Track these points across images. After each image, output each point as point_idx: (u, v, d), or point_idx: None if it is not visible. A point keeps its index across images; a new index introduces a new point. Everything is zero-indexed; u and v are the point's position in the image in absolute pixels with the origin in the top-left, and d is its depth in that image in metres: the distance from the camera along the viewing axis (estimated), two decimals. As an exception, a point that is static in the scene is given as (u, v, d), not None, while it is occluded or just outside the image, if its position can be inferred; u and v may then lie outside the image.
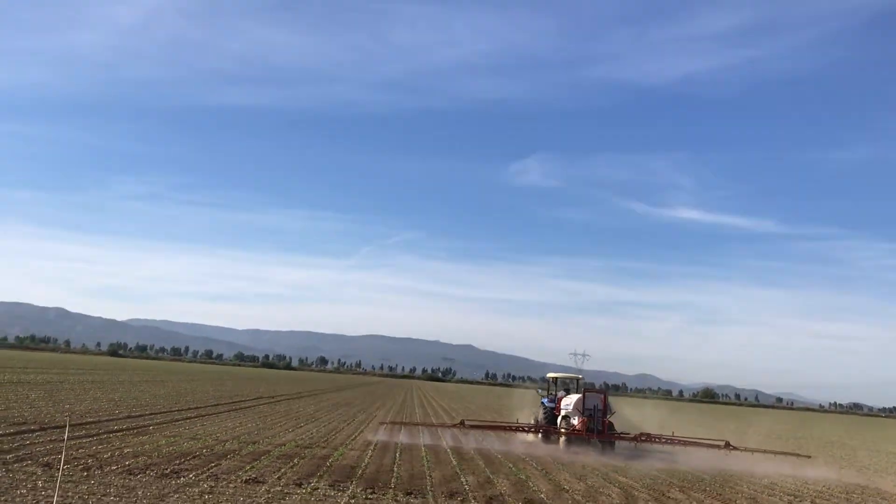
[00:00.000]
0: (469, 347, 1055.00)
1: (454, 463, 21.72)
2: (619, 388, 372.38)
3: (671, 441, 30.65)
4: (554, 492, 17.49)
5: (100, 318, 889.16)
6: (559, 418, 32.55)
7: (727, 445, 29.63)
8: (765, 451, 30.80)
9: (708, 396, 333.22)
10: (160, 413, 30.78)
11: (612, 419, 31.55)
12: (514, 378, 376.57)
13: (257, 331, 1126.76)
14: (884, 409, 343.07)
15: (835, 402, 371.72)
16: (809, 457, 31.80)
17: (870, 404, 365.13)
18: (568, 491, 17.80)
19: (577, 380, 36.61)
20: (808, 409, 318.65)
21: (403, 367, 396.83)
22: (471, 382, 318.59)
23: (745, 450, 30.16)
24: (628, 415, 44.13)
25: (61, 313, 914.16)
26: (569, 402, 32.34)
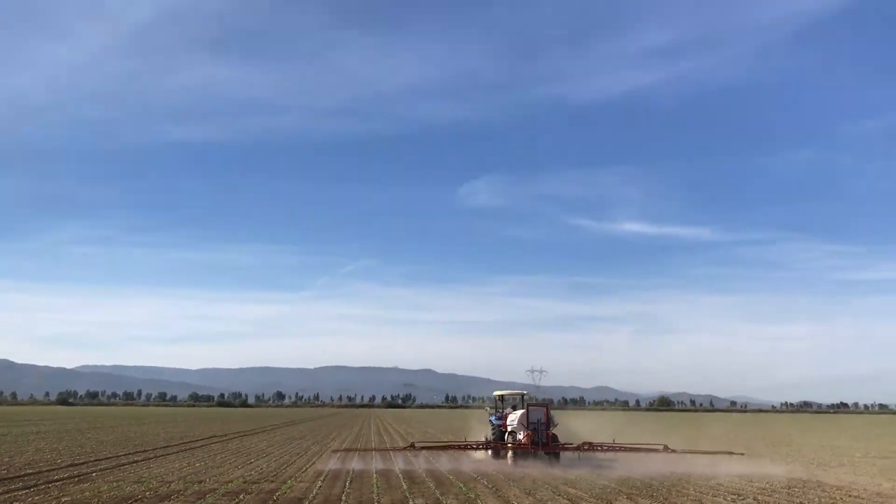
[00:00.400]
0: (429, 372, 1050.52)
1: (405, 487, 21.59)
2: (578, 402, 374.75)
3: (613, 448, 31.47)
4: (502, 508, 17.50)
5: (47, 367, 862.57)
6: (507, 434, 33.09)
7: (665, 449, 30.73)
8: (701, 452, 31.97)
9: (664, 404, 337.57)
10: (105, 459, 30.01)
11: (555, 431, 32.17)
12: (474, 399, 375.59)
13: (212, 370, 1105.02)
14: (832, 405, 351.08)
15: (786, 402, 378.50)
16: (742, 454, 33.12)
17: (819, 401, 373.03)
18: (516, 506, 17.85)
19: (523, 395, 37.39)
20: (760, 411, 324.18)
21: (363, 397, 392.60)
22: (431, 407, 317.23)
23: (683, 452, 31.18)
24: (580, 427, 44.45)
25: (6, 365, 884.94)
26: (514, 417, 32.88)
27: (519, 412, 32.83)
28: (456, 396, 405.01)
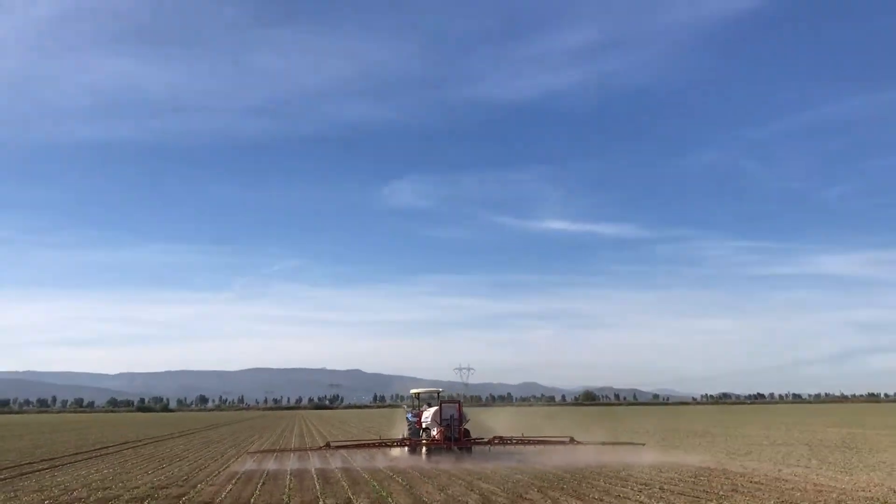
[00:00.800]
0: (356, 372, 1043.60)
1: (318, 487, 21.40)
2: (505, 398, 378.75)
3: (522, 442, 32.70)
4: (413, 506, 17.53)
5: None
6: (422, 430, 33.81)
7: (571, 441, 32.23)
8: (604, 443, 33.55)
9: (588, 399, 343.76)
10: (6, 469, 28.83)
11: (468, 426, 33.11)
12: (402, 398, 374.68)
13: (131, 374, 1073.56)
14: (749, 397, 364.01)
15: (706, 394, 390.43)
16: (643, 444, 34.73)
17: (737, 392, 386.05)
18: (428, 503, 17.90)
19: (438, 393, 37.93)
20: (682, 403, 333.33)
21: (289, 399, 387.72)
22: (359, 407, 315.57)
23: (588, 443, 32.69)
24: (502, 423, 45.12)
25: None
26: (428, 414, 33.64)
27: (432, 409, 33.53)
28: (384, 396, 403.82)
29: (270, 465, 29.27)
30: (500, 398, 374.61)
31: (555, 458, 29.85)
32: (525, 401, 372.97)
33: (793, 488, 20.04)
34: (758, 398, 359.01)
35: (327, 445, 32.00)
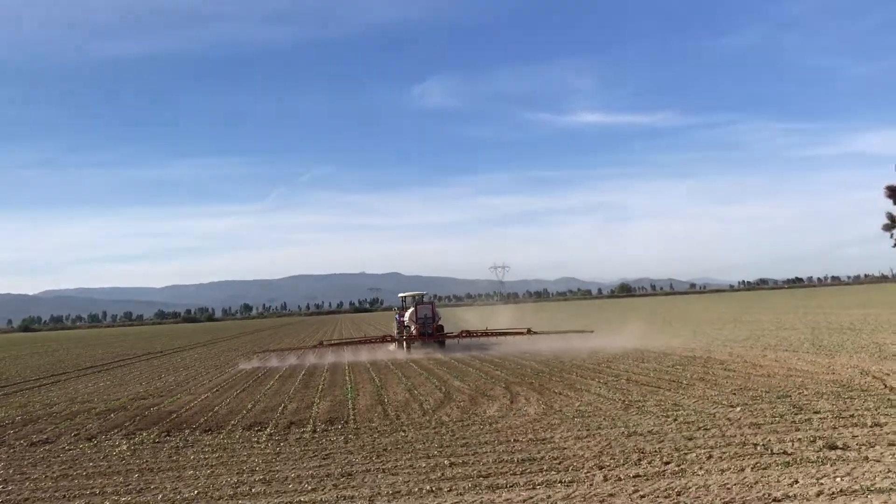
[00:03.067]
0: (395, 275, 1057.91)
1: (296, 386, 21.64)
2: (542, 295, 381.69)
3: (486, 334, 36.96)
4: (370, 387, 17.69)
5: (8, 294, 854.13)
6: (404, 328, 38.03)
7: (529, 332, 36.12)
8: (556, 332, 37.17)
9: (624, 290, 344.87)
10: (13, 385, 29.78)
11: (442, 322, 37.75)
12: (439, 298, 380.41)
13: (177, 286, 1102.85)
14: (787, 281, 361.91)
15: (743, 281, 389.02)
16: (592, 331, 37.65)
17: (776, 278, 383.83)
18: (387, 386, 18.04)
19: (422, 295, 40.70)
20: (717, 291, 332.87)
21: (330, 303, 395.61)
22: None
23: (542, 333, 36.56)
24: (505, 321, 45.90)
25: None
26: (407, 314, 37.85)
27: (410, 309, 37.76)
28: (435, 296, 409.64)
29: (273, 362, 33.20)
30: (536, 294, 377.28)
31: (513, 347, 34.52)
32: (561, 295, 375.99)
33: (765, 374, 19.72)
34: (795, 282, 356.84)
35: (320, 344, 36.97)
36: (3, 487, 11.13)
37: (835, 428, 12.18)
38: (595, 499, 8.83)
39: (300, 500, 9.45)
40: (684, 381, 19.07)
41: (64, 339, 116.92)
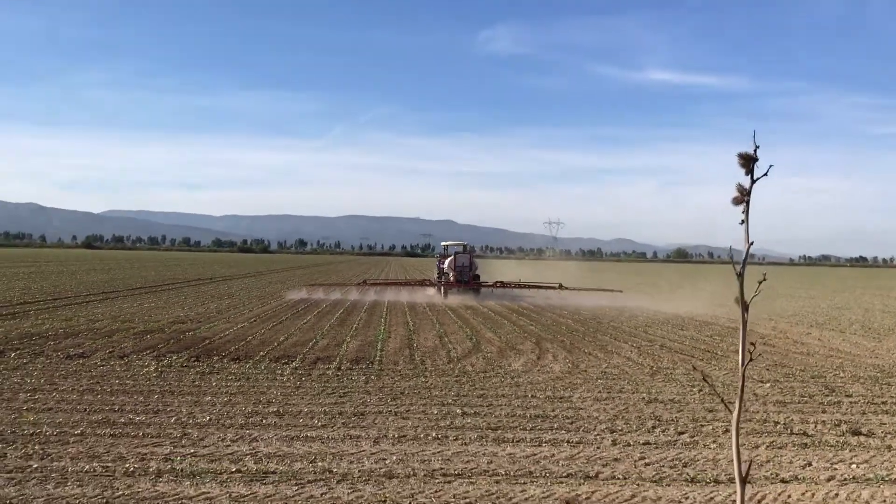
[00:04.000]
0: (449, 222, 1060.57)
1: (333, 321, 21.95)
2: (595, 254, 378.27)
3: (519, 286, 39.76)
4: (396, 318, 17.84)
5: (75, 211, 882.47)
6: (444, 275, 40.00)
7: (560, 287, 38.53)
8: (586, 290, 39.31)
9: (680, 256, 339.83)
10: (65, 298, 30.80)
11: (479, 272, 40.17)
12: (491, 249, 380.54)
13: (235, 216, 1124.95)
14: (850, 259, 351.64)
15: (804, 255, 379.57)
16: (621, 291, 39.92)
17: (839, 255, 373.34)
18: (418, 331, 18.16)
19: (464, 245, 42.71)
20: (776, 264, 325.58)
21: (383, 245, 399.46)
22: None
23: (573, 289, 38.66)
24: (555, 277, 45.97)
25: (35, 209, 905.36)
26: (447, 262, 39.64)
27: (450, 257, 39.63)
28: (475, 247, 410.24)
29: (319, 295, 35.86)
30: (589, 253, 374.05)
31: (543, 300, 36.85)
32: (615, 256, 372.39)
33: (804, 352, 19.29)
34: (859, 261, 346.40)
35: (364, 283, 40.90)
36: (31, 396, 11.56)
37: (863, 413, 11.83)
38: (598, 461, 8.76)
39: (307, 435, 9.59)
40: (719, 352, 18.75)
41: (122, 258, 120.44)
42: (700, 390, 13.37)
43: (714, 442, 9.78)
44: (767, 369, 16.09)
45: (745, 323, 2.75)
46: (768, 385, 14.14)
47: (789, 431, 10.45)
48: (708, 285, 64.98)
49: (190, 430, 9.72)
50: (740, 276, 2.67)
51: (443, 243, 44.69)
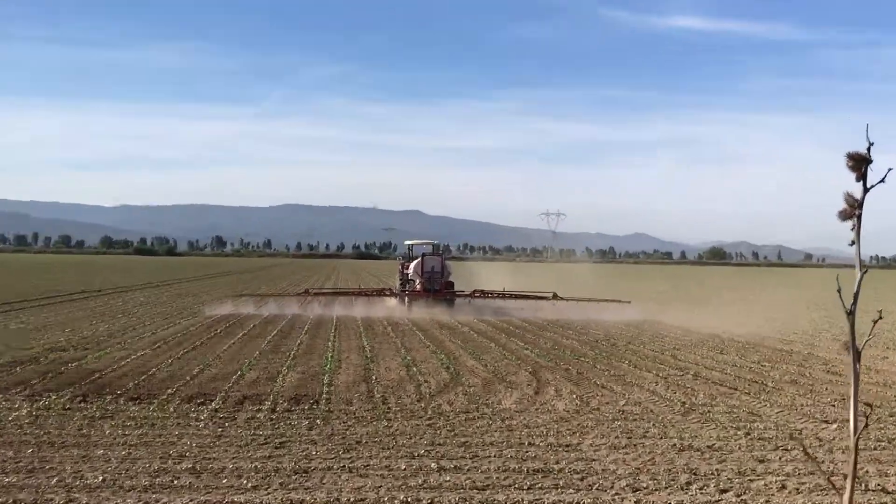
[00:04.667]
0: (416, 213, 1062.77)
1: (266, 344, 21.87)
2: (607, 253, 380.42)
3: (502, 296, 40.86)
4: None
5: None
6: (407, 282, 41.50)
7: (554, 297, 39.26)
8: (588, 300, 39.65)
9: (716, 256, 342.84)
10: None
11: (453, 279, 41.32)
12: (472, 249, 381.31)
13: (131, 207, 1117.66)
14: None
15: (877, 256, 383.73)
16: (629, 302, 40.02)
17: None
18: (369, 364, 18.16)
19: (434, 245, 44.70)
20: (841, 266, 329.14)
21: (328, 245, 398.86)
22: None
23: (570, 300, 39.22)
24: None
25: None
26: (412, 266, 41.00)
27: (415, 261, 40.96)
28: (449, 245, 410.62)
29: (248, 309, 36.82)
30: (599, 253, 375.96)
31: (534, 313, 37.87)
32: (632, 256, 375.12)
33: (881, 382, 19.64)
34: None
35: (306, 292, 41.86)
36: None
37: (959, 463, 11.99)
38: (618, 531, 8.80)
39: (233, 500, 9.52)
40: (769, 384, 18.96)
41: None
42: (747, 434, 13.48)
43: (767, 503, 9.87)
44: (833, 405, 16.28)
45: (856, 375, 2.74)
46: (835, 426, 14.29)
47: (864, 487, 10.57)
48: (751, 294, 65.74)
49: (77, 495, 9.62)
50: (850, 314, 2.65)
51: (407, 242, 46.26)
